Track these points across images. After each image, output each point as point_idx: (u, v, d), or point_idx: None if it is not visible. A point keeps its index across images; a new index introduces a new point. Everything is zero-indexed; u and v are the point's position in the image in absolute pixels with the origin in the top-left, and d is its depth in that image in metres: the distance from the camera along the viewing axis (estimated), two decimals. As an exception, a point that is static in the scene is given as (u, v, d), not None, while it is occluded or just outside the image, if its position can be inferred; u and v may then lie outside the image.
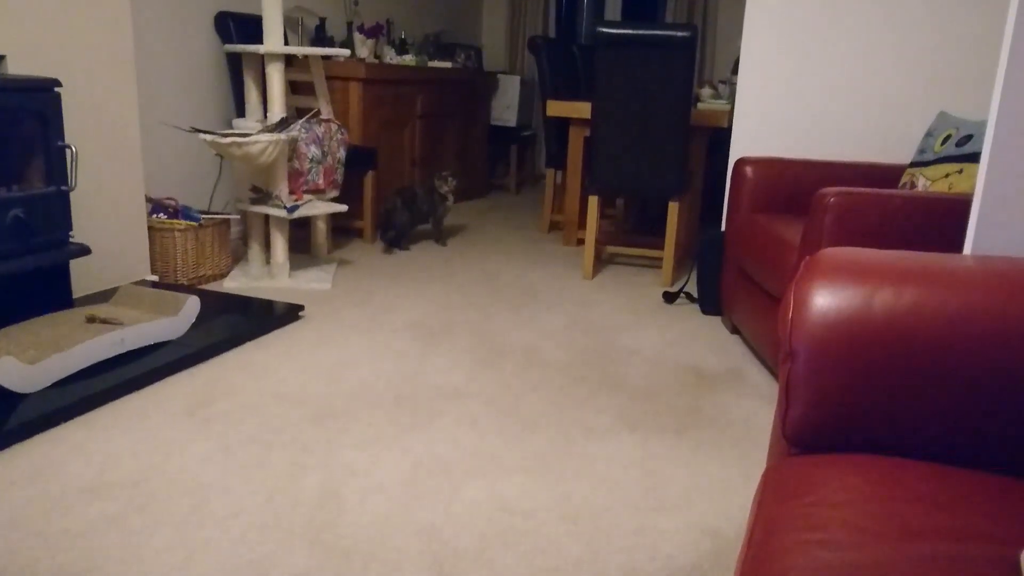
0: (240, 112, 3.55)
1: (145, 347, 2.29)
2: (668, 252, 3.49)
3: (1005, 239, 1.16)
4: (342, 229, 4.15)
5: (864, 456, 0.96)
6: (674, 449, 1.94)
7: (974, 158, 2.23)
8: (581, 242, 4.23)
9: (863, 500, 0.87)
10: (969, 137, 2.27)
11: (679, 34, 3.17)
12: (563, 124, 4.46)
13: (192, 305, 2.45)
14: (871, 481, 0.91)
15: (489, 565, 1.45)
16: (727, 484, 1.78)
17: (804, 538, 0.82)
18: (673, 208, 3.44)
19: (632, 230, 4.61)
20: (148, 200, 3.07)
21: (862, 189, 2.03)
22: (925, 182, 2.35)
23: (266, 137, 2.88)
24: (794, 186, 2.74)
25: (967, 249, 1.18)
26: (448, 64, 4.96)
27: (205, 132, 2.88)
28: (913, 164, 2.46)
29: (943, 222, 2.00)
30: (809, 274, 1.02)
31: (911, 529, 0.82)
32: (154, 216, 3.06)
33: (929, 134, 2.47)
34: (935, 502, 0.87)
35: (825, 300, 0.98)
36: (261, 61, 3.23)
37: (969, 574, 0.73)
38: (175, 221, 3.05)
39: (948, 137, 2.36)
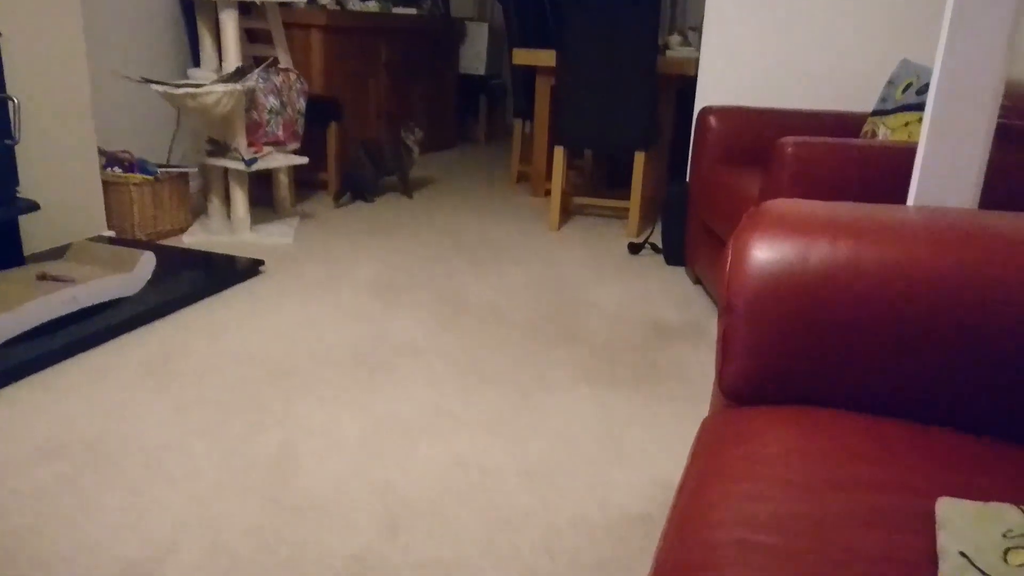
0: (196, 62, 3.45)
1: (100, 305, 2.25)
2: (634, 203, 3.48)
3: (947, 190, 1.15)
4: (306, 182, 4.09)
5: (799, 409, 0.97)
6: (631, 402, 1.95)
7: (933, 107, 2.22)
8: (549, 193, 4.21)
9: (794, 453, 0.88)
10: (929, 85, 2.26)
11: (644, -20, 3.11)
12: (530, 73, 4.39)
13: (147, 261, 2.41)
14: (803, 434, 0.91)
15: (441, 519, 1.46)
16: (682, 436, 1.80)
17: (733, 490, 0.83)
18: (639, 159, 3.42)
19: (600, 181, 4.58)
20: (101, 153, 2.99)
21: (820, 139, 2.02)
22: (886, 131, 2.34)
23: (221, 87, 2.81)
24: (758, 135, 2.72)
25: (910, 200, 1.18)
26: (413, 11, 4.85)
27: (157, 83, 2.80)
28: (875, 113, 2.46)
29: (900, 172, 2.00)
30: (749, 227, 1.01)
31: (838, 481, 0.83)
32: (108, 170, 2.98)
33: (891, 82, 2.45)
34: (865, 454, 0.88)
35: (763, 253, 0.98)
36: (215, 8, 3.13)
37: (887, 524, 0.74)
38: (130, 175, 2.98)
39: (909, 85, 2.35)
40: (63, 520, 1.41)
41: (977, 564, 0.59)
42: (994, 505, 0.67)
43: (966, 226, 0.99)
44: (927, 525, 0.73)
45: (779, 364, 0.98)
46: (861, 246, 0.95)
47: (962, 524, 0.66)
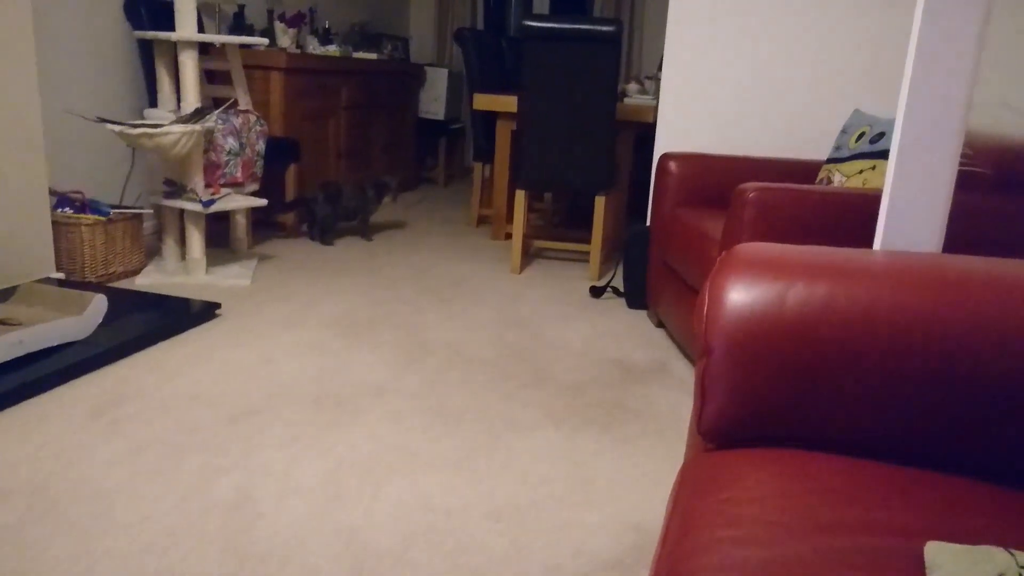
0: (153, 102, 3.41)
1: (49, 348, 2.17)
2: (595, 246, 3.50)
3: (912, 234, 1.18)
4: (264, 223, 4.03)
5: (778, 451, 0.97)
6: (599, 443, 1.93)
7: (886, 155, 2.29)
8: (509, 236, 4.22)
9: (776, 495, 0.88)
10: (882, 135, 2.34)
11: (604, 28, 3.18)
12: (491, 117, 4.43)
13: (98, 304, 2.33)
14: (784, 476, 0.91)
15: (410, 565, 1.41)
16: (652, 477, 1.79)
17: (717, 535, 0.82)
18: (600, 202, 3.46)
19: (560, 224, 4.62)
20: (52, 193, 2.91)
21: (780, 184, 2.06)
22: (841, 178, 2.41)
23: (179, 128, 2.77)
24: (717, 181, 2.78)
25: (877, 245, 1.20)
26: (374, 55, 4.88)
27: (113, 122, 2.74)
28: (829, 160, 2.53)
29: (858, 217, 2.05)
30: (724, 270, 1.02)
31: (822, 523, 0.82)
32: (59, 210, 2.90)
33: (844, 131, 2.53)
34: (846, 496, 0.88)
35: (739, 296, 0.98)
36: (174, 48, 3.10)
37: (876, 567, 0.74)
38: (82, 215, 2.90)
39: (862, 134, 2.43)
40: (7, 572, 1.33)
41: (975, 608, 0.58)
42: (983, 548, 0.67)
43: (935, 269, 1.01)
44: (916, 567, 0.73)
45: (758, 406, 0.98)
46: (837, 288, 0.96)
47: (952, 568, 0.66)
